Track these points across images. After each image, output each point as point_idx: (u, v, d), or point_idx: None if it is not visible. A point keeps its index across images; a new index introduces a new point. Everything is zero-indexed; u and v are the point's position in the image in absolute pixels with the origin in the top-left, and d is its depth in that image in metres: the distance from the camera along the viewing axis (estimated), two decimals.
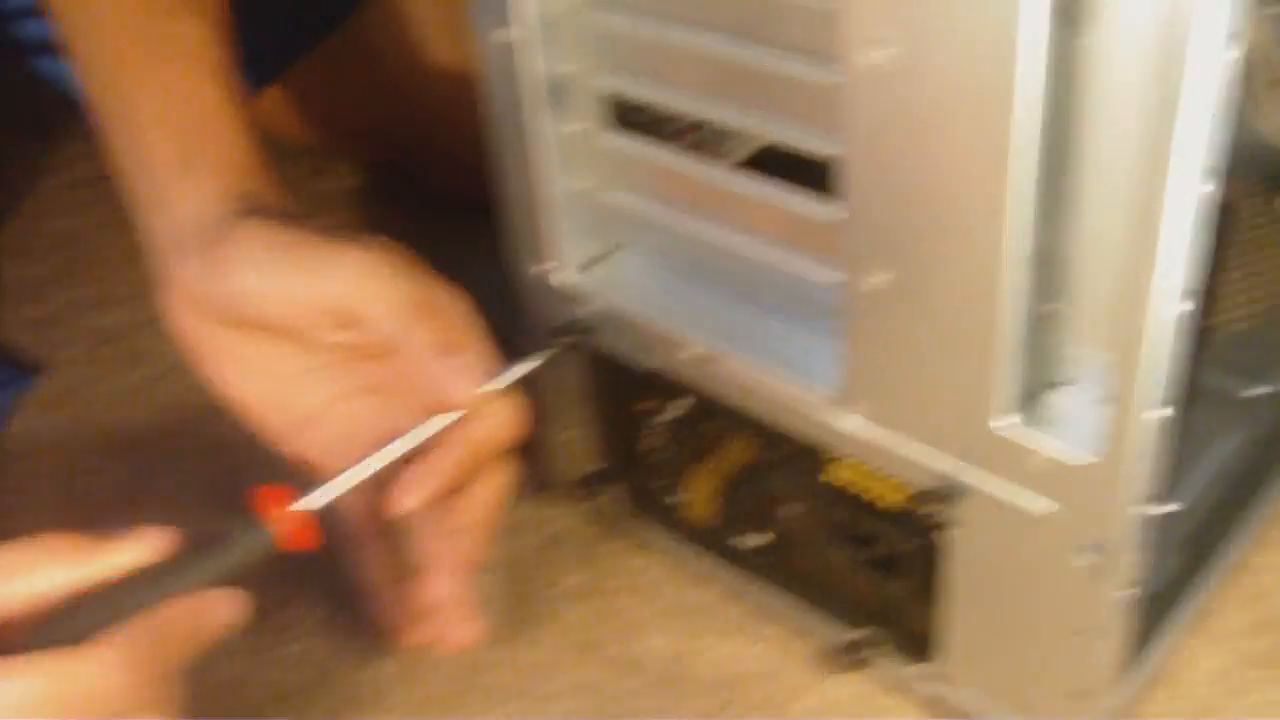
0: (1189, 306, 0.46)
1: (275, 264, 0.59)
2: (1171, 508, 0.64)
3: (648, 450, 0.70)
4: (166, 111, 0.65)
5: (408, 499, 0.57)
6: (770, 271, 0.60)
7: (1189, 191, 0.43)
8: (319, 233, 0.60)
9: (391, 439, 0.57)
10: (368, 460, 0.56)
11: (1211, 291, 0.61)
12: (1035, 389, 0.53)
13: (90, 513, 0.79)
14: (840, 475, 0.60)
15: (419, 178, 1.04)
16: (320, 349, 0.61)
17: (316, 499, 0.54)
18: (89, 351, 0.93)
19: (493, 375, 0.59)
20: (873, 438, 0.57)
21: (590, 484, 0.73)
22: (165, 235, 0.63)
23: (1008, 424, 0.52)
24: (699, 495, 0.68)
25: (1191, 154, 0.42)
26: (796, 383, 0.59)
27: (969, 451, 0.54)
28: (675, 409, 0.67)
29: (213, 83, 0.66)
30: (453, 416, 0.58)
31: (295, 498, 0.54)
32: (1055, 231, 0.49)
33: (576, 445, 0.73)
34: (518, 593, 0.73)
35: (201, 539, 0.52)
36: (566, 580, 0.73)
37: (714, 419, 0.65)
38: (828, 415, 0.59)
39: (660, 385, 0.66)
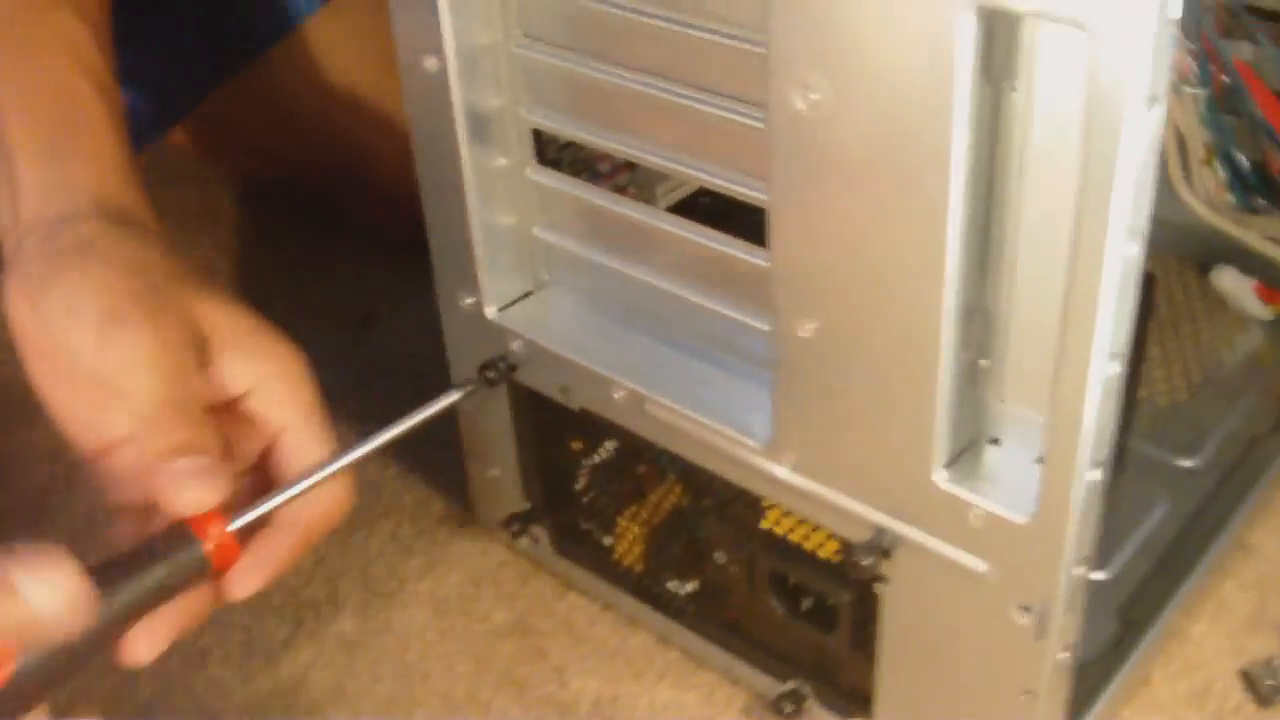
0: (1116, 368, 0.44)
1: (77, 303, 0.56)
2: (1102, 575, 0.63)
3: (576, 491, 0.68)
4: (33, 99, 0.62)
5: (246, 584, 0.55)
6: (701, 316, 0.59)
7: (1113, 251, 0.41)
8: (151, 295, 0.56)
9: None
10: (288, 490, 0.56)
11: (1144, 362, 0.60)
12: (967, 446, 0.52)
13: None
14: (778, 522, 0.59)
15: (349, 212, 1.02)
16: None
17: (244, 520, 0.54)
18: None
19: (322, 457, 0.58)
20: (803, 488, 0.56)
21: (517, 522, 0.71)
22: (13, 218, 0.60)
23: (939, 480, 0.51)
24: (629, 538, 0.67)
25: (1115, 213, 0.41)
26: (726, 429, 0.57)
27: (900, 506, 0.53)
28: (605, 450, 0.65)
29: (85, 78, 0.64)
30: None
31: (223, 519, 0.54)
32: (985, 286, 0.48)
33: (503, 483, 0.71)
34: (442, 628, 0.71)
35: (137, 554, 0.52)
36: (493, 618, 0.71)
37: (644, 461, 0.64)
38: (758, 463, 0.57)
39: (590, 425, 0.64)
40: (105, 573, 0.51)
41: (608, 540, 0.68)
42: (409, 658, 0.69)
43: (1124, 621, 0.65)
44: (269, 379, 0.58)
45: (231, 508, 0.55)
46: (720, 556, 0.62)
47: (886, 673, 0.59)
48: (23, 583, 0.46)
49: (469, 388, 0.64)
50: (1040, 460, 0.48)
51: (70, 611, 0.48)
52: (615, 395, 0.61)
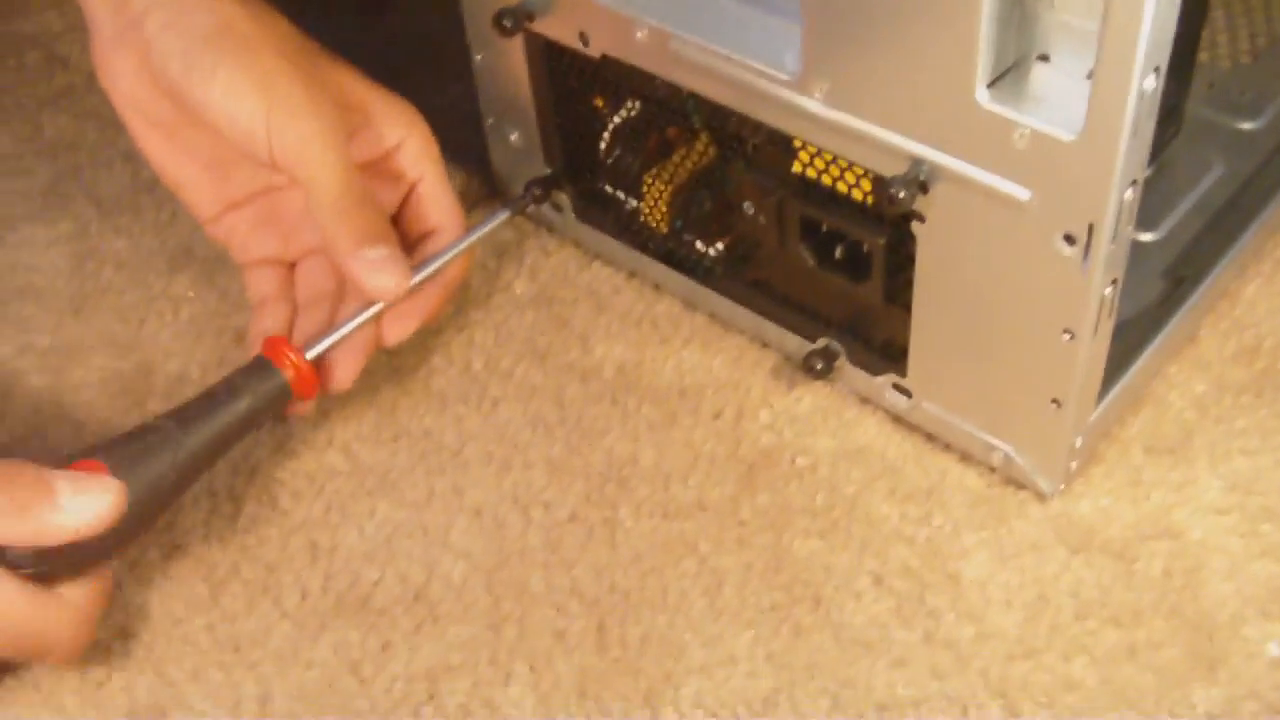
0: None
1: (241, 95, 0.58)
2: (1151, 236, 0.61)
3: (599, 152, 0.65)
4: None
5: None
6: None
7: None
8: (306, 78, 0.59)
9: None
10: (356, 319, 0.60)
11: (1206, 24, 0.56)
12: (1013, 64, 0.48)
13: (11, 214, 0.76)
14: (810, 164, 0.56)
15: None
16: None
17: (318, 348, 0.59)
18: (12, 58, 0.88)
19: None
20: (835, 121, 0.53)
21: (538, 187, 0.68)
22: None
23: (982, 100, 0.48)
24: (654, 198, 0.64)
25: None
26: (754, 62, 0.54)
27: (940, 133, 0.50)
28: (628, 108, 0.62)
29: None
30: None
31: (298, 348, 0.59)
32: None
33: (524, 149, 0.69)
34: (461, 301, 0.69)
35: (226, 386, 0.57)
36: (514, 289, 0.70)
37: (670, 117, 0.61)
38: (788, 97, 0.54)
39: (612, 77, 0.61)
40: (197, 406, 0.57)
41: (632, 203, 0.66)
42: (424, 330, 0.67)
43: (1172, 281, 0.62)
44: (409, 136, 0.64)
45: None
46: (749, 207, 0.59)
47: (921, 323, 0.56)
48: (66, 498, 0.52)
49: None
50: (1088, 74, 0.45)
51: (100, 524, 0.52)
52: (638, 35, 0.57)
